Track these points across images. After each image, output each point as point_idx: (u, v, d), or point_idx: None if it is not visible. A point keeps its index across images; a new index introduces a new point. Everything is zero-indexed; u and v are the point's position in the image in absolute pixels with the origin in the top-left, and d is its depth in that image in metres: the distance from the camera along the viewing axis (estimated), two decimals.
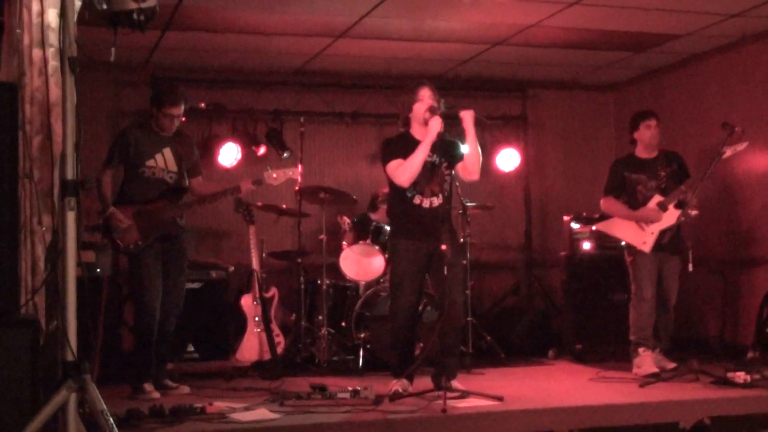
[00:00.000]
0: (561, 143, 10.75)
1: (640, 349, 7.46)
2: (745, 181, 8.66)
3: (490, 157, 10.04)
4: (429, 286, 6.84)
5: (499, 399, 6.05)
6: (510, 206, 10.44)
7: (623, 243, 7.68)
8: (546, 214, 10.58)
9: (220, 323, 8.41)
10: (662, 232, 7.45)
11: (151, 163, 6.78)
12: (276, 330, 8.11)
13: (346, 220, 8.61)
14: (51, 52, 4.98)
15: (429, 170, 6.37)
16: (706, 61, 9.29)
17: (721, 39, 8.73)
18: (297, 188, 8.33)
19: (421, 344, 7.38)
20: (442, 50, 9.08)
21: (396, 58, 9.35)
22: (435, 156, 6.37)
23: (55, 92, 4.97)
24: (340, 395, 5.98)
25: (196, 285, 8.23)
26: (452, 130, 6.50)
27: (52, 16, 5.04)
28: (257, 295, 8.11)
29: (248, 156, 9.46)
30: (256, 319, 8.07)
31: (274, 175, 7.07)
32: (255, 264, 8.15)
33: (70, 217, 4.30)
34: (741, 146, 7.24)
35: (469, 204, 8.48)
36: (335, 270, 8.36)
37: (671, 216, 7.39)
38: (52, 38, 4.98)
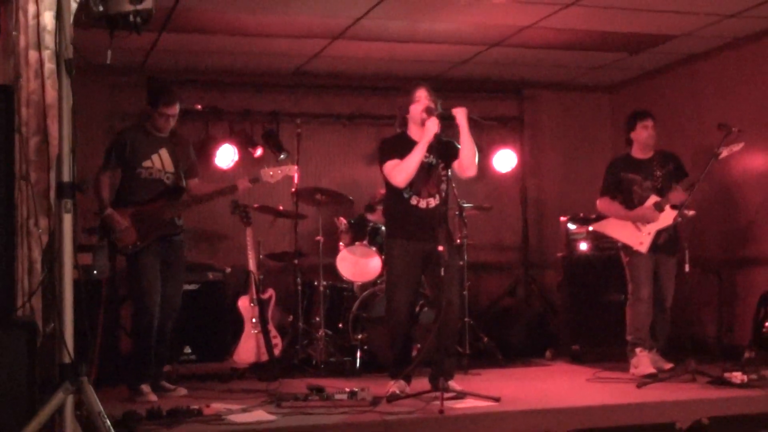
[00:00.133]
0: (558, 144, 10.76)
1: (637, 350, 7.47)
2: (741, 181, 8.67)
3: (487, 158, 10.06)
4: (424, 286, 6.85)
5: (497, 400, 6.05)
6: (507, 207, 10.44)
7: (620, 243, 7.69)
8: (543, 214, 10.59)
9: (217, 325, 8.40)
10: (658, 233, 7.46)
11: (147, 163, 6.78)
12: (273, 331, 8.10)
13: (343, 221, 8.62)
14: (47, 54, 4.98)
15: (426, 171, 6.38)
16: (703, 61, 9.30)
17: (717, 40, 8.74)
18: (294, 190, 8.34)
19: (419, 345, 7.39)
20: (439, 51, 9.08)
21: (393, 60, 9.36)
22: (432, 157, 6.38)
23: (51, 94, 4.97)
24: (337, 396, 5.99)
25: (193, 287, 8.22)
26: (449, 131, 6.51)
27: (48, 19, 5.04)
28: (254, 297, 8.11)
29: (245, 158, 9.45)
30: (253, 320, 8.06)
31: (271, 173, 7.07)
32: (252, 265, 8.14)
33: (67, 219, 4.30)
34: (737, 147, 7.25)
35: (466, 205, 8.48)
36: (332, 271, 8.36)
37: (667, 216, 7.40)
38: (48, 40, 4.99)
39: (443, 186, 6.47)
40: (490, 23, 8.16)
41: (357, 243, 8.37)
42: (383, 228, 7.99)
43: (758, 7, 7.63)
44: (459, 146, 6.41)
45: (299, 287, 8.34)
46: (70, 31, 4.48)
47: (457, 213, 8.43)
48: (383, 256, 7.92)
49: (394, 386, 6.31)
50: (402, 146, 6.40)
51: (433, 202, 6.42)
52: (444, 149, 6.44)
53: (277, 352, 7.98)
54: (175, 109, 6.83)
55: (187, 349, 8.27)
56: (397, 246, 6.47)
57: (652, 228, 7.47)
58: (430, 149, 6.33)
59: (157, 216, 6.72)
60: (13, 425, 4.30)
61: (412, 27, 8.24)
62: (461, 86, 10.17)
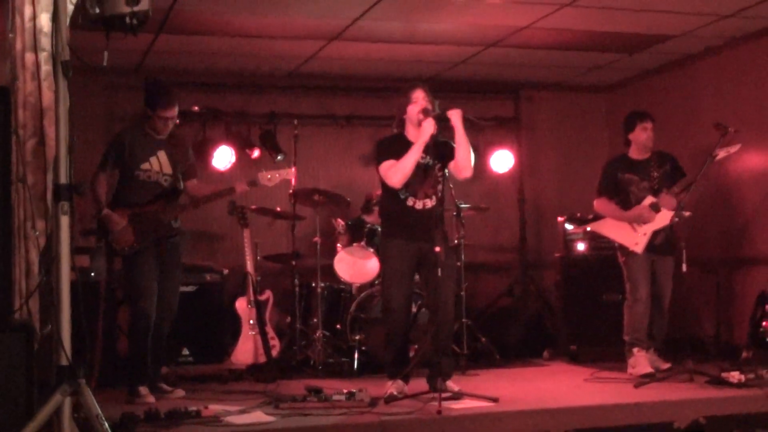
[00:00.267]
0: (554, 144, 10.77)
1: (635, 350, 7.47)
2: (738, 181, 8.67)
3: (484, 159, 10.07)
4: (418, 285, 6.86)
5: (494, 400, 6.05)
6: (504, 207, 10.45)
7: (616, 244, 7.69)
8: (540, 215, 10.60)
9: (215, 326, 8.41)
10: (655, 233, 7.46)
11: (146, 166, 6.77)
12: (271, 333, 8.11)
13: (341, 222, 8.62)
14: (44, 56, 4.98)
15: (422, 172, 6.38)
16: (699, 61, 9.31)
17: (713, 40, 8.75)
18: (291, 191, 8.34)
19: (416, 346, 7.39)
20: (436, 52, 9.08)
21: (389, 61, 9.36)
22: (428, 158, 6.39)
23: (48, 96, 4.97)
24: (335, 397, 5.99)
25: (190, 288, 8.23)
26: (446, 132, 6.51)
27: (44, 21, 5.04)
28: (252, 298, 8.11)
29: (242, 159, 9.46)
30: (251, 322, 8.07)
31: (269, 176, 7.06)
32: (249, 267, 8.15)
33: (64, 221, 4.30)
34: (734, 148, 7.26)
35: (463, 205, 8.48)
36: (330, 272, 8.36)
37: (664, 217, 7.40)
38: (45, 42, 4.99)
39: (439, 187, 6.47)
40: (487, 24, 8.16)
41: (355, 244, 8.37)
42: (380, 229, 7.99)
43: (755, 6, 7.63)
44: (453, 147, 6.43)
45: (297, 288, 8.34)
46: (67, 33, 4.47)
47: (454, 213, 8.44)
48: (379, 257, 7.93)
49: (392, 387, 6.31)
50: (399, 147, 6.40)
51: (429, 203, 6.42)
52: (440, 150, 6.44)
53: (275, 353, 7.99)
54: (174, 111, 6.81)
55: (185, 351, 8.28)
56: (393, 246, 6.48)
57: (648, 228, 7.48)
58: (427, 150, 6.33)
59: (155, 218, 6.71)
60: (10, 428, 4.29)
61: (409, 28, 8.24)
62: (458, 87, 10.18)
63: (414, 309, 7.89)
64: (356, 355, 7.89)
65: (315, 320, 8.18)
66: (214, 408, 5.87)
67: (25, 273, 4.99)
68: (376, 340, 7.67)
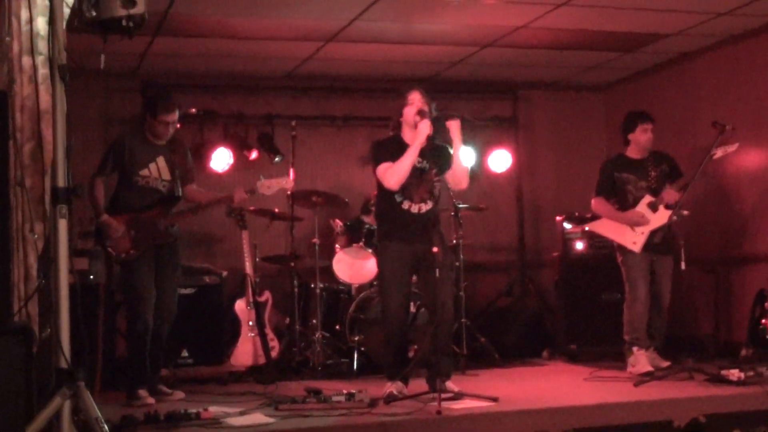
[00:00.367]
0: (552, 144, 10.77)
1: (634, 348, 7.47)
2: (736, 179, 8.68)
3: (482, 159, 10.07)
4: (417, 286, 6.86)
5: (494, 400, 6.05)
6: (502, 207, 10.45)
7: (615, 243, 7.70)
8: (538, 214, 10.60)
9: (214, 328, 8.40)
10: (653, 232, 7.47)
11: (145, 172, 6.76)
12: (270, 334, 8.12)
13: (339, 223, 8.62)
14: (40, 59, 4.97)
15: (418, 176, 6.38)
16: (696, 60, 9.31)
17: (709, 38, 8.75)
18: (289, 192, 8.34)
19: (415, 347, 7.40)
20: (432, 53, 9.09)
21: (386, 61, 9.37)
22: (424, 161, 6.39)
23: (45, 100, 4.96)
24: (335, 398, 5.98)
25: (189, 290, 8.22)
26: (442, 134, 6.52)
27: (41, 24, 5.03)
28: (251, 300, 8.12)
29: (240, 161, 9.46)
30: (250, 323, 8.08)
31: (267, 185, 7.06)
32: (248, 268, 8.15)
33: (62, 224, 4.30)
34: (732, 148, 7.27)
35: (461, 205, 8.49)
36: (328, 273, 8.36)
37: (662, 216, 7.42)
38: (42, 46, 4.97)
39: (435, 191, 6.47)
40: (484, 24, 8.17)
41: (353, 245, 8.37)
42: (376, 231, 8.00)
43: (750, 4, 7.64)
44: (451, 151, 6.45)
45: (296, 290, 8.34)
46: (64, 37, 4.47)
47: (452, 214, 8.45)
48: (376, 259, 7.93)
49: (391, 387, 6.31)
50: (395, 148, 6.40)
51: (425, 207, 6.42)
52: (437, 154, 6.45)
53: (274, 354, 7.99)
54: (175, 116, 6.81)
55: (184, 353, 8.27)
56: (389, 249, 6.47)
57: (645, 228, 7.49)
58: (423, 153, 6.33)
59: (152, 224, 6.71)
60: (10, 431, 4.29)
61: (406, 28, 8.24)
62: (456, 87, 10.18)
63: (413, 309, 7.91)
64: (355, 356, 7.89)
65: (314, 321, 8.18)
66: (214, 410, 5.86)
67: (23, 276, 4.98)
68: (375, 340, 7.67)
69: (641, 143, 7.71)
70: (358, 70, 9.71)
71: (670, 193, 7.42)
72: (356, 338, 7.98)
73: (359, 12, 7.68)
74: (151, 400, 6.50)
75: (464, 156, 6.47)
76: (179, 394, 6.76)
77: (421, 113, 6.33)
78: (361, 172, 9.79)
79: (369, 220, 8.53)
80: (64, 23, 4.67)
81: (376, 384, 6.63)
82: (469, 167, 6.47)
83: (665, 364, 7.46)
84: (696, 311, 9.07)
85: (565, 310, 8.79)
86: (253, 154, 9.51)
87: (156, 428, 5.50)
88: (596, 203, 7.81)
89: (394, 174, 6.31)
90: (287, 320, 8.58)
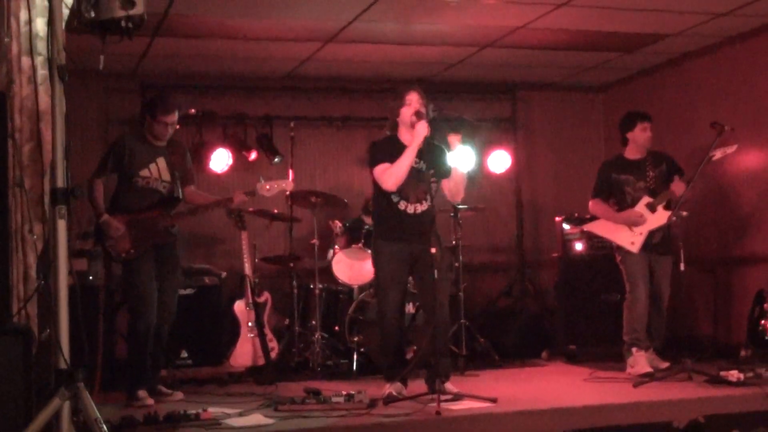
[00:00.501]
0: (551, 144, 10.77)
1: (634, 349, 7.47)
2: (736, 180, 8.68)
3: (481, 159, 10.07)
4: (412, 286, 6.87)
5: (493, 401, 6.05)
6: (501, 208, 10.45)
7: (613, 244, 7.70)
8: (537, 215, 10.60)
9: (213, 329, 8.40)
10: (652, 233, 7.47)
11: (145, 173, 6.77)
12: (269, 335, 8.11)
13: (338, 224, 8.61)
14: (40, 60, 4.97)
15: (415, 177, 6.38)
16: (695, 60, 9.31)
17: (709, 38, 8.76)
18: (288, 193, 8.34)
19: (414, 347, 7.40)
20: (431, 53, 9.09)
21: (385, 62, 9.37)
22: (421, 163, 6.39)
23: (44, 100, 4.96)
24: (334, 399, 5.98)
25: (189, 291, 8.22)
26: (439, 136, 6.53)
27: (40, 25, 5.03)
28: (250, 301, 8.11)
29: (239, 162, 9.46)
30: (250, 324, 8.07)
31: (267, 187, 7.06)
32: (247, 269, 8.14)
33: (61, 225, 4.30)
34: (731, 149, 7.27)
35: (460, 206, 8.49)
36: (328, 274, 8.36)
37: (660, 217, 7.42)
38: (41, 46, 4.98)
39: (432, 192, 6.47)
40: (483, 24, 8.17)
41: (352, 245, 8.37)
42: (372, 231, 7.99)
43: (749, 5, 7.64)
44: (447, 151, 6.49)
45: (295, 290, 8.34)
46: (63, 37, 4.47)
47: (451, 214, 8.45)
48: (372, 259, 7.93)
49: (390, 388, 6.31)
50: (392, 149, 6.40)
51: (421, 207, 6.42)
52: (434, 155, 6.46)
53: (273, 355, 7.99)
54: (174, 116, 6.82)
55: (184, 354, 8.26)
56: (384, 248, 6.48)
57: (644, 228, 7.49)
58: (420, 154, 6.33)
59: (152, 225, 6.71)
60: None
61: (404, 29, 8.24)
62: (455, 88, 10.19)
63: (413, 310, 7.92)
64: (355, 357, 7.89)
65: (313, 322, 8.18)
66: (213, 410, 5.86)
67: (23, 277, 4.98)
68: (374, 341, 7.66)
69: (640, 142, 7.71)
70: (358, 70, 9.71)
71: (679, 185, 7.39)
72: (355, 339, 7.98)
73: (358, 13, 7.68)
74: (150, 401, 6.50)
75: (463, 169, 6.49)
76: (178, 395, 6.76)
77: (418, 114, 6.33)
78: (360, 172, 9.79)
79: (369, 220, 8.52)
80: (63, 24, 4.67)
81: (375, 385, 6.63)
82: (466, 180, 6.45)
83: (664, 365, 7.45)
84: (695, 312, 9.07)
85: (565, 310, 8.79)
86: (253, 155, 9.50)
87: (155, 429, 5.49)
88: (593, 205, 7.81)
89: (391, 175, 6.31)
90: (287, 321, 8.58)
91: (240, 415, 5.86)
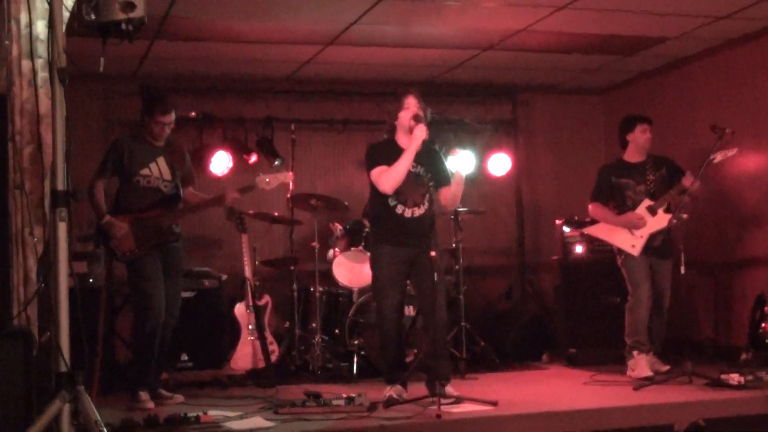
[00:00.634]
0: (552, 147, 10.77)
1: (635, 352, 7.47)
2: (736, 182, 8.67)
3: (482, 162, 10.06)
4: (409, 288, 6.87)
5: (494, 404, 6.05)
6: (502, 211, 10.45)
7: (614, 247, 7.70)
8: (538, 218, 10.60)
9: (213, 332, 8.40)
10: (653, 236, 7.47)
11: (145, 172, 6.79)
12: (270, 338, 8.10)
13: (338, 226, 8.61)
14: (40, 63, 4.98)
15: (413, 181, 6.38)
16: (695, 63, 9.31)
17: (709, 41, 8.75)
18: (288, 195, 8.34)
19: (415, 350, 7.39)
20: (432, 56, 9.09)
21: (386, 65, 9.37)
22: (419, 167, 6.40)
23: (44, 103, 4.97)
24: (334, 402, 5.99)
25: (189, 294, 8.21)
26: (437, 138, 6.54)
27: (40, 28, 5.04)
28: (250, 303, 8.11)
29: (240, 164, 9.46)
30: (250, 327, 8.07)
31: (267, 180, 7.07)
32: (248, 272, 8.14)
33: (62, 227, 4.30)
34: (731, 152, 7.27)
35: (460, 209, 8.48)
36: (328, 277, 8.36)
37: (661, 220, 7.41)
38: (41, 49, 4.98)
39: (429, 196, 6.46)
40: (483, 27, 8.17)
41: (353, 248, 8.37)
42: (370, 234, 7.99)
43: (750, 8, 7.64)
44: (444, 156, 6.52)
45: (295, 293, 8.33)
46: (63, 40, 4.48)
47: (452, 217, 8.45)
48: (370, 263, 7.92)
49: (391, 391, 6.31)
50: (390, 152, 6.40)
51: (418, 211, 6.42)
52: (432, 161, 6.47)
53: (273, 358, 7.98)
54: (171, 116, 6.85)
55: (184, 357, 8.27)
56: (382, 251, 6.48)
57: (644, 231, 7.49)
58: (418, 157, 6.34)
59: (155, 223, 6.72)
60: None
61: (404, 32, 8.24)
62: (455, 90, 10.19)
63: (413, 313, 7.91)
64: (355, 360, 7.89)
65: (314, 325, 8.18)
66: (214, 413, 5.86)
67: (23, 279, 4.99)
68: (375, 344, 7.65)
69: (640, 144, 7.71)
70: (358, 73, 9.72)
71: (689, 179, 7.35)
72: (356, 342, 7.97)
73: (359, 15, 7.68)
74: (151, 404, 6.50)
75: (465, 172, 6.50)
76: (179, 398, 6.76)
77: (417, 118, 6.33)
78: (360, 175, 9.74)
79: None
80: (64, 27, 4.68)
81: (375, 387, 6.63)
82: (464, 186, 6.47)
83: (665, 368, 7.46)
84: (696, 315, 9.06)
85: (565, 313, 8.79)
86: (253, 158, 9.50)
87: None
88: (593, 208, 7.80)
89: (389, 178, 6.31)
90: (287, 324, 8.58)
91: (240, 418, 5.86)
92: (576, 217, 8.86)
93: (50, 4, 4.48)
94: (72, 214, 4.37)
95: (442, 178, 6.52)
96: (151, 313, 6.59)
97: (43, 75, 4.97)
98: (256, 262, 8.56)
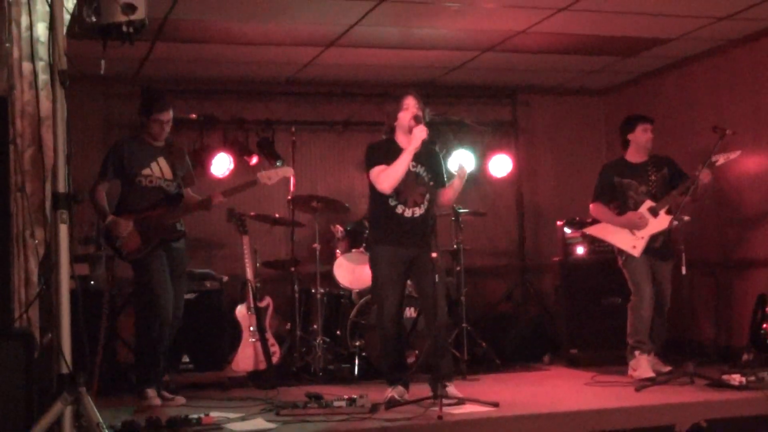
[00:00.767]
0: (552, 148, 10.77)
1: (637, 352, 7.47)
2: (737, 183, 8.67)
3: (482, 164, 10.06)
4: (411, 290, 6.88)
5: (495, 405, 6.05)
6: (502, 212, 10.45)
7: (615, 247, 7.69)
8: (539, 219, 10.59)
9: (215, 334, 8.37)
10: (653, 237, 7.47)
11: (147, 171, 6.80)
12: (271, 339, 8.10)
13: (340, 228, 8.61)
14: (41, 65, 4.98)
15: (412, 180, 6.39)
16: (696, 64, 9.31)
17: (709, 42, 8.75)
18: (289, 197, 8.35)
19: (416, 352, 7.39)
20: (432, 57, 9.09)
21: (386, 66, 9.37)
22: (419, 167, 6.40)
23: (45, 105, 4.97)
24: (336, 404, 5.99)
25: (190, 296, 8.16)
26: (437, 138, 6.54)
27: (41, 30, 5.04)
28: (252, 305, 8.10)
29: (240, 166, 9.45)
30: (251, 328, 8.06)
31: (268, 176, 7.07)
32: (249, 274, 8.13)
33: (63, 229, 4.30)
34: (734, 154, 7.27)
35: (461, 210, 8.49)
36: (329, 278, 8.35)
37: (662, 221, 7.41)
38: (42, 52, 4.99)
39: (428, 196, 6.47)
40: (483, 29, 8.17)
41: (354, 250, 8.37)
42: (369, 235, 7.99)
43: (750, 9, 7.64)
44: (443, 157, 6.60)
45: (296, 295, 8.34)
46: (64, 42, 4.48)
47: (452, 218, 8.45)
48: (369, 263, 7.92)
49: (392, 392, 6.32)
50: (389, 152, 6.40)
51: (418, 211, 6.43)
52: (432, 162, 6.49)
53: (275, 360, 7.97)
54: (169, 115, 6.86)
55: (185, 358, 8.24)
56: (381, 252, 6.48)
57: (645, 233, 7.49)
58: (417, 157, 6.35)
59: (159, 221, 6.74)
60: None
61: (405, 33, 8.24)
62: (455, 92, 10.19)
63: (414, 314, 7.91)
64: (356, 361, 7.89)
65: (315, 326, 8.18)
66: (215, 415, 5.86)
67: (24, 281, 4.99)
68: (376, 345, 7.65)
69: (641, 144, 7.71)
70: (358, 75, 9.72)
71: (705, 173, 7.31)
72: (357, 343, 7.98)
73: (359, 17, 7.68)
74: (157, 402, 6.51)
75: (460, 188, 6.54)
76: (180, 400, 6.77)
77: (416, 118, 6.34)
78: (361, 176, 9.70)
79: None
80: (65, 29, 4.68)
81: (377, 389, 6.63)
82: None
83: (666, 368, 7.46)
84: (697, 316, 9.06)
85: (566, 314, 8.78)
86: (254, 160, 9.49)
87: None
88: (595, 208, 7.80)
89: (388, 177, 6.31)
90: (288, 325, 8.57)
91: (242, 419, 5.86)
92: (577, 218, 8.86)
93: (51, 6, 4.48)
94: (73, 216, 4.38)
95: (441, 179, 6.53)
96: (158, 311, 6.60)
97: (44, 77, 4.98)
98: (258, 264, 8.56)
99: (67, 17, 4.81)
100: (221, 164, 9.36)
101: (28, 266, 5.00)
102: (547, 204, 10.58)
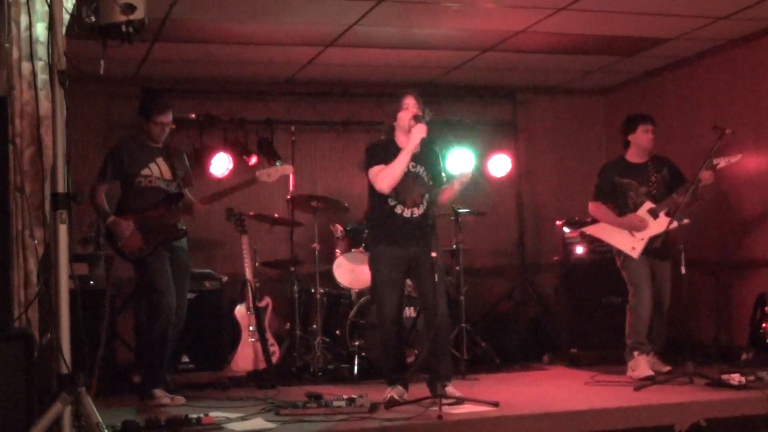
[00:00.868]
0: (552, 148, 10.76)
1: (635, 353, 7.47)
2: (737, 183, 8.67)
3: (482, 163, 10.06)
4: (410, 289, 6.87)
5: (495, 405, 6.05)
6: (502, 212, 10.44)
7: (614, 248, 7.69)
8: (538, 219, 10.59)
9: (214, 333, 8.38)
10: (653, 238, 7.46)
11: (146, 172, 6.81)
12: (270, 339, 8.11)
13: (339, 228, 8.61)
14: (40, 65, 4.98)
15: (411, 180, 6.39)
16: (696, 64, 9.31)
17: (709, 42, 8.76)
18: (289, 197, 8.35)
19: (416, 351, 7.38)
20: (432, 57, 9.09)
21: (386, 66, 9.37)
22: (419, 167, 6.40)
23: (45, 105, 4.97)
24: (335, 403, 5.98)
25: (190, 295, 8.13)
26: (436, 138, 6.55)
27: (40, 30, 5.04)
28: (251, 305, 8.11)
29: (240, 166, 9.44)
30: (251, 328, 8.07)
31: (267, 173, 7.07)
32: (248, 274, 8.14)
33: (62, 230, 4.30)
34: (735, 158, 7.27)
35: (461, 210, 8.49)
36: (329, 278, 8.35)
37: (661, 223, 7.40)
38: (41, 52, 4.99)
39: (427, 195, 6.47)
40: (483, 28, 8.17)
41: (353, 250, 8.37)
42: (368, 235, 7.99)
43: (750, 8, 7.64)
44: (441, 156, 6.61)
45: (296, 295, 8.34)
46: (63, 42, 4.47)
47: (452, 218, 8.44)
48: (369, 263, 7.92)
49: (392, 392, 6.31)
50: (388, 152, 6.40)
51: (417, 211, 6.42)
52: (431, 161, 6.49)
53: (274, 359, 7.98)
54: (169, 116, 6.86)
55: (185, 358, 8.25)
56: (381, 252, 6.48)
57: (645, 234, 7.48)
58: (416, 157, 6.35)
59: (160, 221, 6.75)
60: None
61: (404, 33, 8.24)
62: (455, 91, 10.19)
63: (414, 314, 7.91)
64: (356, 361, 7.89)
65: (314, 326, 8.18)
66: (215, 415, 5.85)
67: (23, 282, 4.99)
68: (375, 345, 7.66)
69: (642, 144, 7.70)
70: (358, 74, 9.72)
71: (707, 174, 7.31)
72: (356, 343, 7.98)
73: (358, 17, 7.68)
74: (167, 400, 6.52)
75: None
76: (180, 400, 6.75)
77: (416, 118, 6.33)
78: (360, 176, 9.72)
79: None
80: (64, 29, 4.68)
81: (376, 389, 6.63)
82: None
83: (666, 368, 7.46)
84: (696, 315, 9.06)
85: (566, 314, 8.79)
86: (253, 160, 9.49)
87: None
88: (594, 207, 7.79)
89: (386, 176, 6.31)
90: (287, 325, 8.58)
91: (241, 419, 5.86)
92: (576, 218, 8.86)
93: (50, 6, 4.48)
94: (72, 217, 4.38)
95: (440, 179, 6.53)
96: (160, 311, 6.60)
97: (43, 77, 4.97)
98: (257, 264, 8.56)
99: (66, 17, 4.81)
100: (221, 164, 9.35)
101: (27, 266, 5.00)
102: (547, 204, 10.58)
